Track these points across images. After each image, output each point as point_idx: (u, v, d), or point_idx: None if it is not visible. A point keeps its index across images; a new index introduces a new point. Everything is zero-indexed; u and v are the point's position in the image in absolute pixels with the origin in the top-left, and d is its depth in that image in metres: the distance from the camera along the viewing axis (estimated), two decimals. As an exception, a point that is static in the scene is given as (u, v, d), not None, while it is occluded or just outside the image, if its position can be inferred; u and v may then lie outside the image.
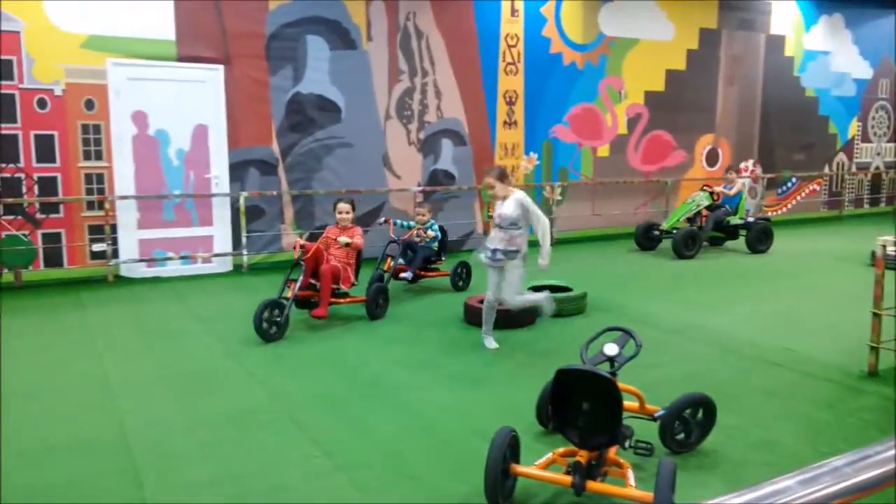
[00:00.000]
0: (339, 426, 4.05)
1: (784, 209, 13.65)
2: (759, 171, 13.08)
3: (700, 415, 3.68)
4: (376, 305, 6.34)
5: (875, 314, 4.87)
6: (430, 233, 7.42)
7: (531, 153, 10.63)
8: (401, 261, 7.23)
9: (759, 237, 9.86)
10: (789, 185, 13.64)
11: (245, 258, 8.51)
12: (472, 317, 6.09)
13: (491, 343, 5.45)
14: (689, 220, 9.96)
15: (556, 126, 10.79)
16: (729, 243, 10.29)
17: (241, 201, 8.41)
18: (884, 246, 4.81)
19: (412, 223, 7.57)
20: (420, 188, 9.67)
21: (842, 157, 14.26)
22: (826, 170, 14.08)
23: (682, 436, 3.64)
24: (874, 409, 4.30)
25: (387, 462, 3.60)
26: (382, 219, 7.84)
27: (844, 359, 5.18)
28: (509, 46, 10.21)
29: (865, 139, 14.55)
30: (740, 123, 12.77)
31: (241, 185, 8.55)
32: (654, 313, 6.51)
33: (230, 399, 4.44)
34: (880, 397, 4.50)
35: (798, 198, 13.84)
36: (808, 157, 13.75)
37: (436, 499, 3.21)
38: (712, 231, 9.95)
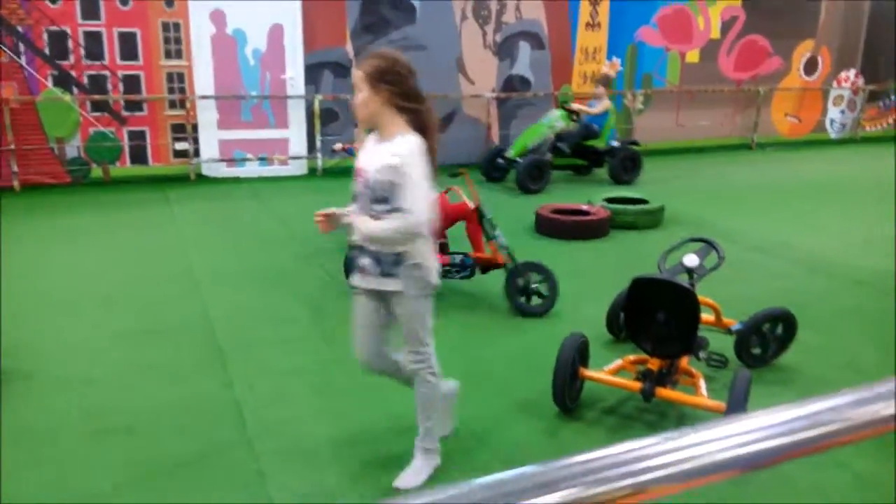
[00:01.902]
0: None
1: (886, 124, 12.64)
2: (860, 82, 12.06)
3: (779, 330, 3.57)
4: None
5: (983, 236, 4.52)
6: None
7: (614, 58, 10.09)
8: None
9: (625, 165, 8.27)
10: (893, 97, 12.56)
11: (319, 162, 8.60)
12: (543, 227, 6.04)
13: (409, 482, 2.62)
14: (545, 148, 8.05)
15: (643, 28, 10.16)
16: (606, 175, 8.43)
17: (316, 104, 8.41)
18: None
19: None
20: (494, 94, 9.40)
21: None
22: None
23: (758, 350, 3.56)
24: (970, 335, 4.06)
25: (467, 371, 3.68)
26: (339, 144, 6.48)
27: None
28: (596, -60, 9.54)
29: None
30: (845, 28, 11.68)
31: (316, 88, 8.53)
32: (737, 229, 6.25)
33: (307, 294, 4.59)
34: (978, 323, 4.23)
35: (904, 112, 12.75)
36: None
37: (508, 399, 3.27)
38: (570, 157, 8.25)
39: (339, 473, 2.70)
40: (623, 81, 10.25)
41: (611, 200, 6.54)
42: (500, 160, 8.13)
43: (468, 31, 9.13)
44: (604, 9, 9.81)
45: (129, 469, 2.70)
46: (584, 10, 9.72)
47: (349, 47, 8.60)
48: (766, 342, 3.55)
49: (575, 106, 8.27)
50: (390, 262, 2.46)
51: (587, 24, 9.80)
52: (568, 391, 3.08)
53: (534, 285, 4.26)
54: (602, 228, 6.09)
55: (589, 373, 3.16)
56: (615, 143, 8.45)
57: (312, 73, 8.51)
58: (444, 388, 2.77)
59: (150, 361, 3.60)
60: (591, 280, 4.96)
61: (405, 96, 2.39)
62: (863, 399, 1.01)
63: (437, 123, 2.52)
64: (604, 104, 8.30)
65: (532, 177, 7.72)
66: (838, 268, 5.24)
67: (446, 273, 4.35)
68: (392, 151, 2.39)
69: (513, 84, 9.56)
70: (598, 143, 8.32)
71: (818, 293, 4.73)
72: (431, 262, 2.55)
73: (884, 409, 0.99)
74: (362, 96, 2.41)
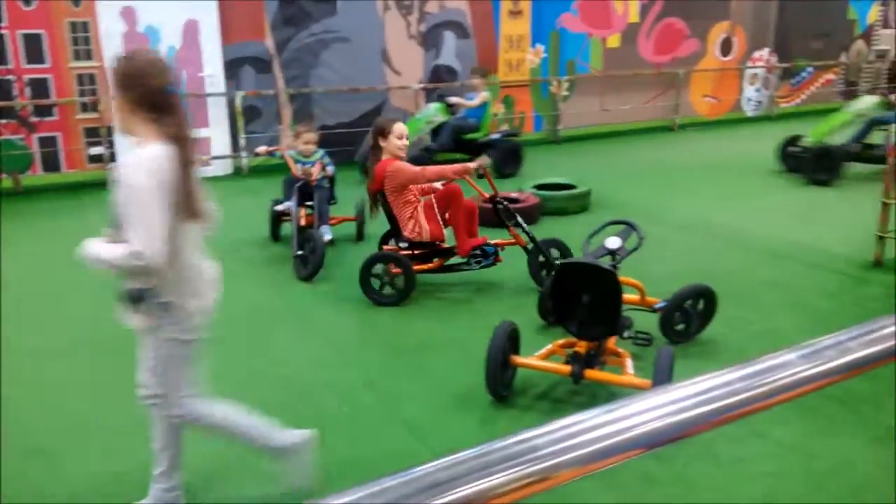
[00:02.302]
0: (350, 323, 4.12)
1: (798, 100, 13.23)
2: (774, 60, 12.57)
3: (700, 305, 3.68)
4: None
5: (884, 203, 4.78)
6: (328, 169, 5.55)
7: (537, 45, 10.21)
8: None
9: (506, 158, 7.92)
10: (804, 74, 13.15)
11: (245, 161, 8.39)
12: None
13: None
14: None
15: (564, 15, 10.29)
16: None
17: (238, 101, 8.19)
18: (894, 132, 4.65)
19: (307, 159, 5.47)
20: (422, 85, 9.37)
21: (860, 44, 13.64)
22: (842, 58, 13.52)
23: (682, 326, 3.67)
24: (878, 298, 4.30)
25: (400, 361, 3.66)
26: (262, 147, 5.89)
27: (850, 250, 5.14)
28: (513, -72, 9.59)
29: (886, 25, 13.85)
30: (757, 9, 12.14)
31: (237, 84, 8.30)
32: (661, 208, 6.43)
33: (242, 299, 4.47)
34: (884, 286, 4.49)
35: (813, 88, 13.37)
36: (825, 45, 13.16)
37: (444, 392, 3.27)
38: (448, 152, 7.97)
39: None
40: (548, 68, 10.38)
41: (540, 187, 6.63)
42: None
43: (391, 22, 9.05)
44: (525, -4, 9.89)
45: (46, 494, 2.56)
46: (506, -3, 9.77)
47: (269, 41, 8.40)
48: (689, 318, 3.66)
49: (453, 99, 8.11)
50: (135, 297, 2.14)
51: (510, 13, 9.85)
52: (500, 379, 3.10)
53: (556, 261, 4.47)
54: (533, 215, 6.14)
55: (520, 359, 3.19)
56: (495, 136, 8.17)
57: (232, 68, 8.28)
58: (288, 439, 2.41)
59: (56, 381, 3.43)
60: (524, 266, 5.00)
61: (148, 102, 2.09)
62: (776, 365, 1.04)
63: (188, 132, 2.17)
64: (482, 96, 8.07)
65: None
66: (755, 241, 5.46)
67: (465, 264, 4.49)
68: (120, 164, 2.13)
69: (439, 74, 9.54)
70: (478, 136, 8.07)
71: (736, 267, 4.92)
72: (191, 301, 2.19)
73: (795, 373, 1.03)
74: (114, 102, 2.20)
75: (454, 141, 8.01)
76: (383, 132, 4.28)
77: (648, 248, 4.78)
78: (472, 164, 4.43)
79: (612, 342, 3.26)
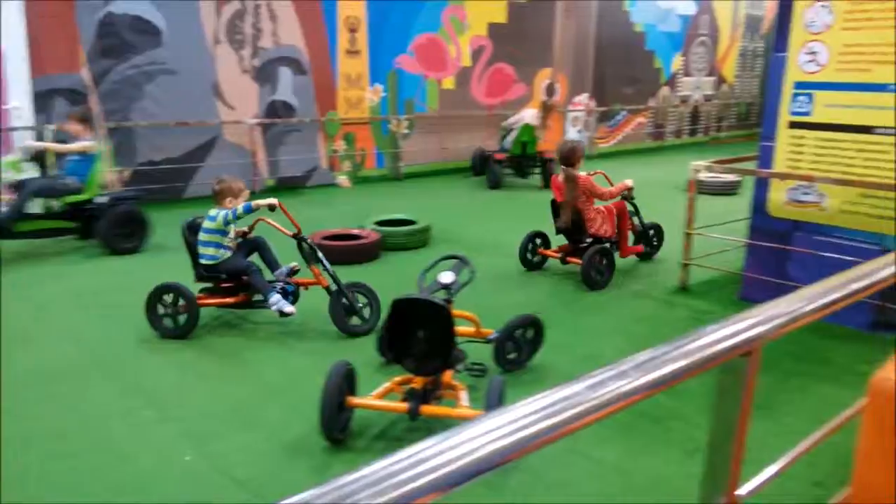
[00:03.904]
0: (168, 376, 3.80)
1: (614, 141, 14.50)
2: (592, 104, 13.71)
3: (530, 334, 3.84)
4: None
5: (687, 234, 5.30)
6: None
7: (376, 84, 10.36)
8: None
9: (121, 228, 6.16)
10: (619, 117, 14.46)
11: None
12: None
13: None
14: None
15: (401, 56, 10.56)
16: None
17: (48, 135, 7.48)
18: (696, 171, 5.20)
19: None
20: (257, 120, 9.13)
21: (665, 90, 15.29)
22: (651, 103, 15.06)
23: (513, 355, 3.80)
24: (685, 320, 4.73)
25: (228, 411, 3.43)
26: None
27: (662, 277, 5.64)
28: (348, -31, 9.73)
29: (687, 73, 15.67)
30: (576, 58, 13.22)
31: (48, 118, 7.59)
32: (498, 242, 6.69)
33: (42, 355, 4.01)
34: (690, 309, 4.96)
35: (627, 130, 14.73)
36: (636, 91, 14.60)
37: (275, 440, 3.12)
38: (42, 221, 6.03)
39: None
40: (387, 107, 10.55)
41: (381, 223, 6.67)
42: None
43: (223, 55, 8.77)
44: (362, 36, 10.03)
45: None
46: (343, 36, 9.85)
47: (85, 72, 7.80)
48: (520, 346, 3.80)
49: (40, 145, 6.46)
50: None
51: (347, 51, 9.94)
52: (336, 422, 3.02)
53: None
54: (374, 251, 6.16)
55: (356, 400, 3.13)
56: (102, 199, 6.24)
57: (42, 101, 7.57)
58: None
59: None
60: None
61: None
62: (592, 385, 1.08)
63: None
64: (82, 144, 6.14)
65: None
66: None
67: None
68: None
69: (276, 110, 9.36)
70: (83, 198, 6.17)
71: (565, 297, 5.20)
72: None
73: (610, 391, 1.07)
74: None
75: (47, 207, 6.08)
76: None
77: (484, 280, 4.94)
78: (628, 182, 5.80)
79: (448, 376, 3.29)
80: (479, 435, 0.89)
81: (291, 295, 4.40)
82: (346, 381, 3.09)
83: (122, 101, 8.06)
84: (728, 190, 9.38)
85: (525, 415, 1.00)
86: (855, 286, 1.44)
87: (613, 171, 11.90)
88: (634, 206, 5.97)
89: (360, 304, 4.43)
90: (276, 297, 4.28)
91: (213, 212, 4.36)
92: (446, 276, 3.42)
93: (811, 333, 4.23)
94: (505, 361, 3.74)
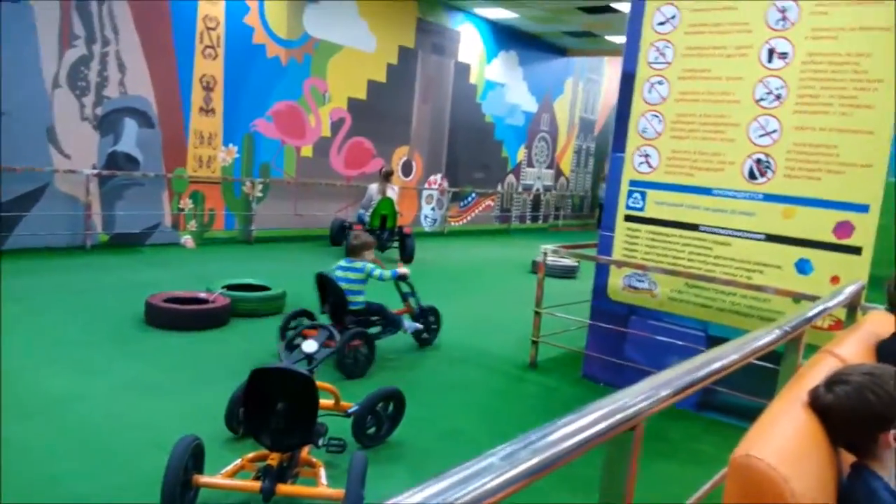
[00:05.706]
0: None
1: (464, 220, 15.12)
2: (445, 184, 14.27)
3: (391, 408, 3.78)
4: None
5: (536, 312, 5.57)
6: None
7: (230, 145, 10.07)
8: None
9: None
10: (469, 199, 15.15)
11: None
12: (155, 318, 5.50)
13: None
14: None
15: (259, 120, 10.40)
16: None
17: None
18: (545, 253, 5.53)
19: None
20: (96, 171, 8.48)
21: (511, 178, 16.32)
22: (498, 188, 15.97)
23: (373, 430, 3.70)
24: (535, 396, 4.90)
25: (43, 486, 2.99)
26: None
27: (513, 353, 5.84)
28: (208, 28, 9.54)
29: (530, 164, 16.87)
30: (432, 139, 13.79)
31: None
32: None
33: None
34: (539, 385, 5.15)
35: (476, 211, 15.44)
36: (486, 175, 15.45)
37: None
38: None
39: None
40: (241, 169, 10.27)
41: (231, 287, 6.34)
42: None
43: (62, 101, 8.14)
44: (218, 95, 9.79)
45: None
46: (197, 93, 9.55)
47: None
48: (381, 421, 3.72)
49: None
50: None
51: (201, 109, 9.63)
52: (180, 503, 2.73)
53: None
54: (222, 317, 5.82)
55: (204, 479, 2.86)
56: None
57: None
58: None
59: None
60: (209, 373, 4.63)
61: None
62: (478, 471, 1.04)
63: None
64: None
65: None
66: (441, 347, 5.88)
67: None
68: None
69: (117, 161, 8.76)
70: None
71: (424, 371, 5.21)
72: None
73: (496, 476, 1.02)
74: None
75: None
76: None
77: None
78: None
79: (305, 452, 3.13)
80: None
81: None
82: (192, 458, 2.83)
83: (-67, 136, 7.17)
84: (568, 273, 10.03)
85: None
86: (717, 365, 1.59)
87: (464, 248, 12.39)
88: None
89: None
90: (409, 323, 5.43)
91: (358, 264, 5.02)
92: (310, 346, 3.30)
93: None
94: (364, 437, 3.63)
